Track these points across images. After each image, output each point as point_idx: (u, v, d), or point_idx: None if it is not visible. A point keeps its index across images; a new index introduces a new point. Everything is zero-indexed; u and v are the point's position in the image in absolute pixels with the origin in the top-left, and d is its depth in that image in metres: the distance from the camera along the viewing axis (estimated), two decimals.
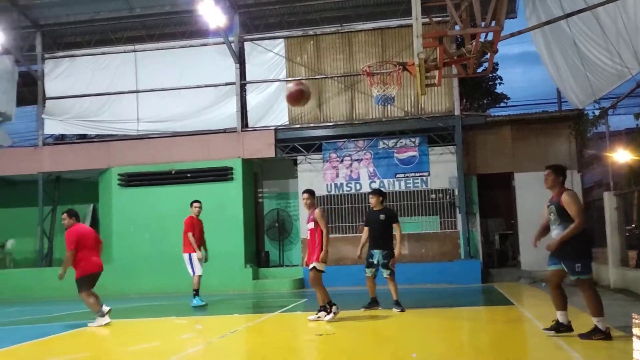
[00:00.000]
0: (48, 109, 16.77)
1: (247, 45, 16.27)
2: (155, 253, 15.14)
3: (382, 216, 9.27)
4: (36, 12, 16.36)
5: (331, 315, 8.16)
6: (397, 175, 15.44)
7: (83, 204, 17.64)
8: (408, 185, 15.39)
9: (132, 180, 15.81)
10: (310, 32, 16.11)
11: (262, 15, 16.40)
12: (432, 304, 10.43)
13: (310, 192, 8.58)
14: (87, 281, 8.83)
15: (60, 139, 17.73)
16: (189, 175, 15.58)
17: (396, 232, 9.19)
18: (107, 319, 8.82)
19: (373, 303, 9.35)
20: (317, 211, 8.37)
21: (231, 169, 15.47)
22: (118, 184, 15.81)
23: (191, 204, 11.38)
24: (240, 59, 16.07)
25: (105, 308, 8.88)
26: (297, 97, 8.07)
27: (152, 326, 9.41)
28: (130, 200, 15.65)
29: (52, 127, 16.89)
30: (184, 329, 8.96)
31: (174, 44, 16.50)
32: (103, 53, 16.74)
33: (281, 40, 16.21)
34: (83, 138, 17.42)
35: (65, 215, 9.10)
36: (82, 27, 16.85)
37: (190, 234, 11.00)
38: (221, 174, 15.50)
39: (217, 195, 15.22)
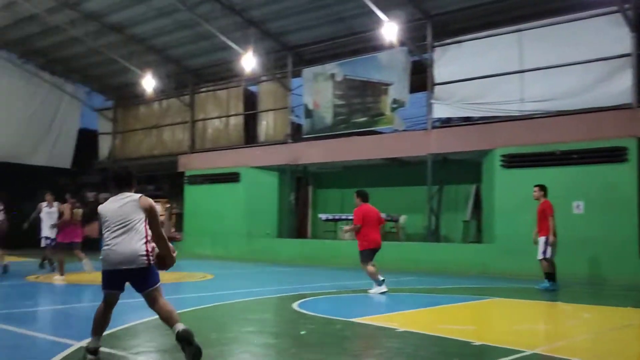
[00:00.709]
0: (436, 94, 17.83)
1: None
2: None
3: None
4: (427, 3, 17.45)
5: None
6: None
7: (467, 184, 18.41)
8: None
9: (514, 161, 15.74)
10: None
11: None
12: None
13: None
14: (367, 254, 10.00)
15: (446, 122, 18.72)
16: (574, 156, 14.77)
17: None
18: (383, 288, 9.81)
19: None
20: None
21: (625, 149, 14.07)
22: (500, 165, 15.94)
23: None
24: (637, 27, 14.45)
25: (381, 277, 9.88)
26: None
27: (537, 308, 9.33)
28: (512, 181, 15.60)
29: (440, 111, 17.90)
30: (571, 315, 8.65)
31: (559, 19, 15.70)
32: (487, 36, 16.97)
33: None
34: (467, 121, 18.07)
35: (355, 195, 10.41)
36: (468, 12, 17.36)
37: (550, 218, 11.37)
38: (612, 155, 14.19)
39: (607, 177, 14.03)
